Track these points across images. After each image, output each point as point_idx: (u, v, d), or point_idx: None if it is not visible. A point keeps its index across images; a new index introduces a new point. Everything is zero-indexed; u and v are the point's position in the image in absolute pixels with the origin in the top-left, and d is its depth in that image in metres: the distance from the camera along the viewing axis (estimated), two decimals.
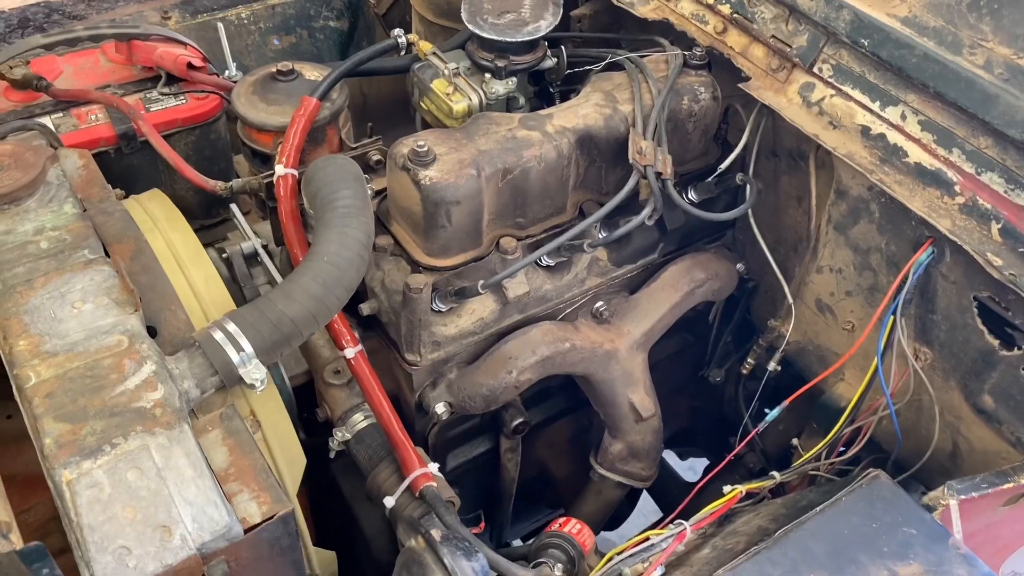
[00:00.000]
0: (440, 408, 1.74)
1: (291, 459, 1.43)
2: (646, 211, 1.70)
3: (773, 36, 1.77)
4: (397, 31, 1.93)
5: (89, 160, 1.78)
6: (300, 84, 1.82)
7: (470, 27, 1.78)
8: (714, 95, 1.84)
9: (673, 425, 2.37)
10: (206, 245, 2.08)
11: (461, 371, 1.77)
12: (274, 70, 1.82)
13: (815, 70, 1.72)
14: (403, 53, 1.95)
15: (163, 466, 1.19)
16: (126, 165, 2.05)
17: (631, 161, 1.67)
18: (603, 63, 1.92)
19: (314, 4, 2.54)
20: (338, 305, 1.43)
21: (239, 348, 1.32)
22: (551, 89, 1.95)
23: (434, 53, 1.89)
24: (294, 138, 1.69)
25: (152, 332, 1.40)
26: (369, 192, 1.67)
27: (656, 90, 1.78)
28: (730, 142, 2.02)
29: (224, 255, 1.96)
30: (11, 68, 2.01)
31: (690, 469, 2.83)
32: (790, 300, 1.93)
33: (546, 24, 1.80)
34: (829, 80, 1.70)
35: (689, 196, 1.95)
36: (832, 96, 1.69)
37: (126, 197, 1.78)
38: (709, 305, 2.16)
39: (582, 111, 1.75)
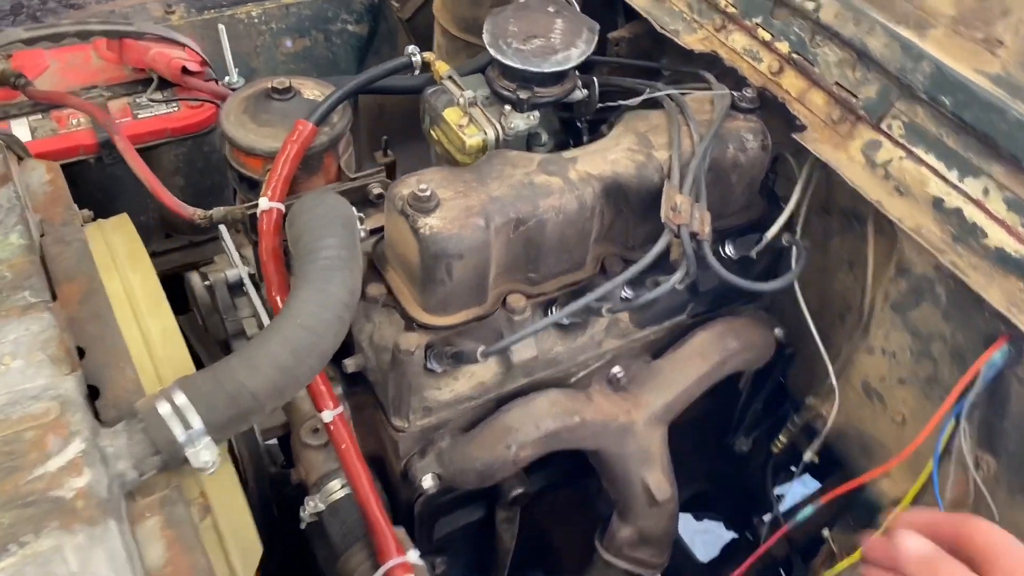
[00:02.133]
0: (428, 482, 1.54)
1: (246, 549, 1.24)
2: (677, 276, 1.48)
3: (837, 83, 1.54)
4: (411, 48, 1.72)
5: (57, 175, 1.60)
6: (297, 104, 1.62)
7: (491, 51, 1.57)
8: (764, 144, 1.62)
9: (690, 488, 2.15)
10: (190, 266, 1.91)
11: (454, 440, 1.57)
12: (269, 86, 1.62)
13: (883, 126, 1.49)
14: (416, 73, 1.74)
15: (79, 572, 1.00)
16: (109, 176, 1.87)
17: (663, 220, 1.45)
18: (639, 98, 1.70)
19: (332, 5, 2.35)
20: (310, 375, 1.24)
21: (187, 425, 1.13)
22: (578, 124, 1.74)
23: (450, 77, 1.68)
24: (283, 168, 1.49)
25: (95, 392, 1.21)
26: (361, 234, 1.47)
27: (698, 136, 1.56)
28: (777, 194, 1.80)
29: (207, 282, 1.78)
30: None
31: (705, 532, 2.61)
32: (833, 381, 1.70)
33: (578, 53, 1.59)
34: (899, 140, 1.47)
35: (727, 252, 1.73)
36: (901, 159, 1.46)
37: (94, 220, 1.59)
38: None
39: (611, 156, 1.53)
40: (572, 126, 1.75)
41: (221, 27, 1.98)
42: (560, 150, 1.70)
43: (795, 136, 1.58)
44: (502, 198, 1.43)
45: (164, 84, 1.94)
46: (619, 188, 1.52)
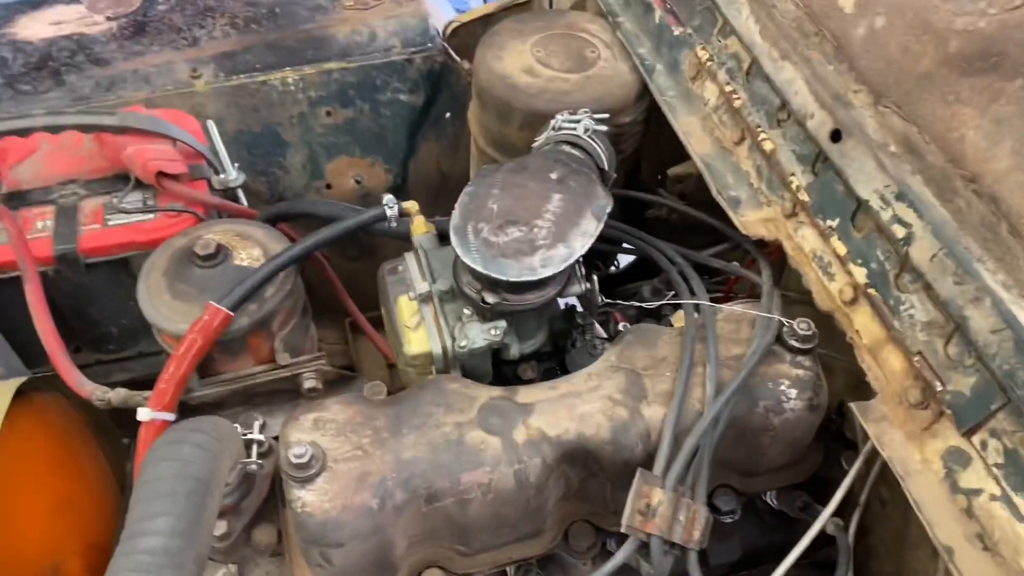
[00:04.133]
0: None
1: None
2: None
3: (920, 353, 1.05)
4: (388, 198, 1.38)
5: None
6: (223, 273, 1.32)
7: (453, 240, 1.20)
8: (813, 404, 1.16)
9: None
10: None
11: None
12: (195, 248, 1.33)
13: (975, 441, 1.00)
14: (393, 225, 1.40)
15: None
16: (77, 286, 1.67)
17: (624, 527, 1.05)
18: (655, 304, 1.28)
19: (382, 72, 2.02)
20: None
21: None
22: (578, 320, 1.34)
23: (417, 250, 1.32)
24: (176, 369, 1.21)
25: None
26: (254, 469, 1.18)
27: (714, 382, 1.13)
28: (847, 436, 1.33)
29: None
30: None
31: None
32: None
33: (564, 255, 1.18)
34: (994, 469, 0.98)
35: (771, 500, 1.31)
36: (993, 499, 0.97)
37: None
38: None
39: (583, 407, 1.14)
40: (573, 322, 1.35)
41: (210, 124, 1.71)
42: (550, 358, 1.33)
43: (854, 408, 1.11)
44: (413, 463, 1.08)
45: (145, 184, 1.71)
46: (586, 455, 1.13)
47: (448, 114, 2.19)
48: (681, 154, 1.56)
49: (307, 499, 1.04)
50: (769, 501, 1.34)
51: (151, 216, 1.67)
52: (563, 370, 1.34)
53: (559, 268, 1.18)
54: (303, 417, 1.12)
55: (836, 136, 1.17)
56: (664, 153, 1.65)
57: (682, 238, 1.48)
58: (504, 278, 1.16)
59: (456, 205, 1.25)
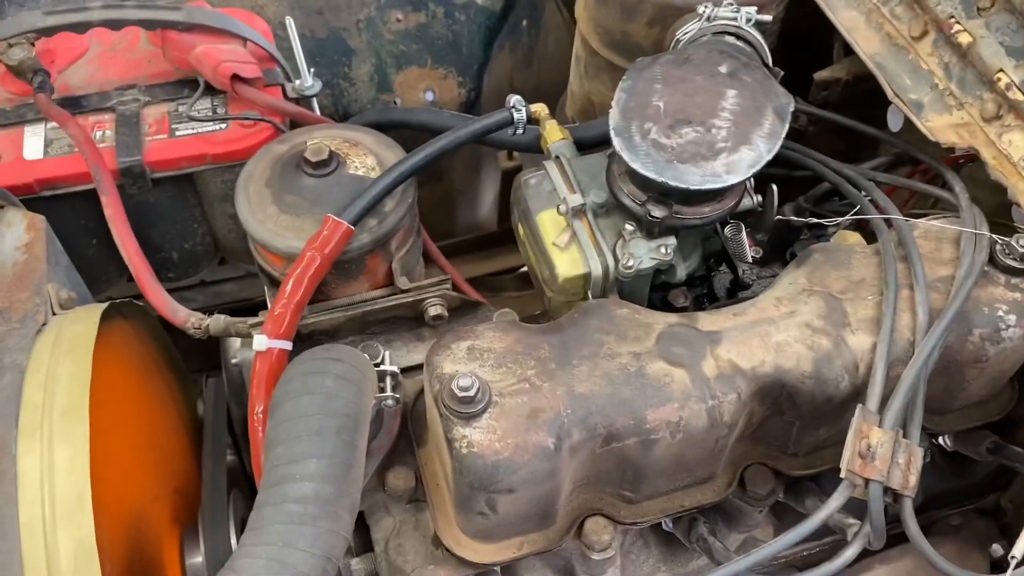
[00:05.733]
0: None
1: None
2: (850, 552, 0.94)
3: None
4: (515, 99, 1.21)
5: (38, 236, 1.24)
6: (337, 183, 1.15)
7: (615, 143, 1.03)
8: None
9: None
10: (243, 304, 1.56)
11: None
12: (307, 154, 1.15)
13: None
14: (517, 132, 1.22)
15: None
16: (139, 204, 1.49)
17: (844, 472, 0.91)
18: (843, 220, 1.13)
19: None
20: None
21: None
22: (743, 247, 1.18)
23: (558, 158, 1.15)
24: (293, 293, 1.05)
25: None
26: (389, 402, 1.03)
27: (926, 308, 0.98)
28: None
29: (235, 361, 1.39)
30: (9, 47, 1.46)
31: None
32: None
33: (751, 159, 1.02)
34: None
35: (943, 441, 1.17)
36: None
37: (74, 302, 1.22)
38: None
39: (778, 336, 0.98)
40: (730, 246, 1.19)
41: (289, 21, 1.52)
42: (701, 283, 1.17)
43: None
44: (589, 399, 0.93)
45: (214, 90, 1.52)
46: (782, 390, 0.98)
47: (525, 21, 1.99)
48: (824, 58, 1.39)
49: (474, 438, 0.89)
50: (943, 443, 1.20)
51: (223, 126, 1.48)
52: (712, 298, 1.19)
53: (746, 174, 1.01)
54: (455, 344, 0.96)
55: None
56: (802, 57, 1.48)
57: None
58: (683, 186, 1.00)
59: (613, 103, 1.07)
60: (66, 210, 1.46)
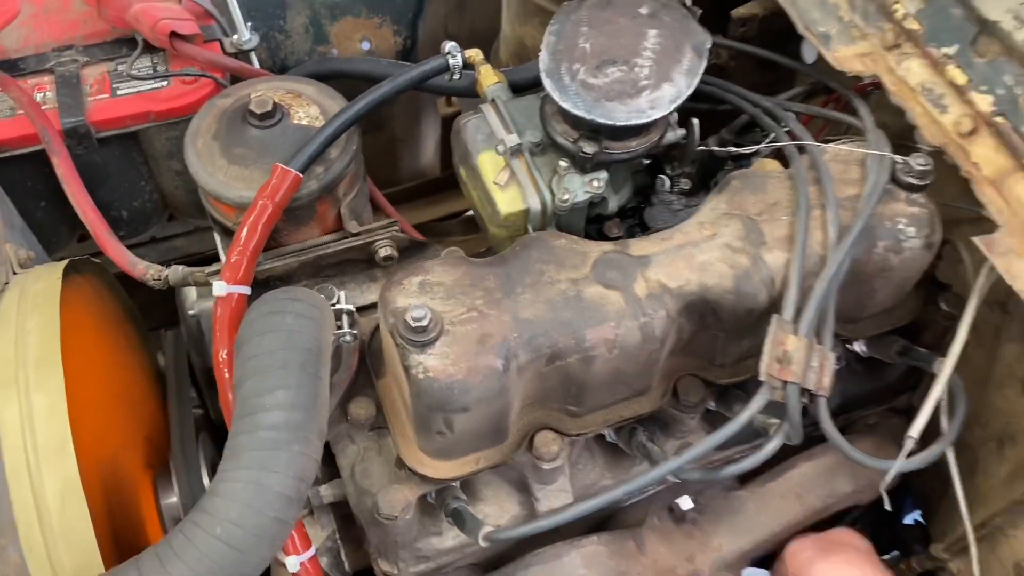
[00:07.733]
0: None
1: None
2: (771, 445, 1.05)
3: None
4: (450, 45, 1.26)
5: None
6: (283, 133, 1.20)
7: (546, 85, 1.10)
8: (929, 241, 1.12)
9: None
10: (193, 257, 1.59)
11: None
12: (251, 106, 1.20)
13: None
14: (454, 78, 1.28)
15: None
16: (86, 164, 1.51)
17: (763, 376, 1.01)
18: (756, 148, 1.21)
19: None
20: None
21: None
22: (667, 171, 1.26)
23: (494, 101, 1.22)
24: (247, 240, 1.11)
25: None
26: (347, 338, 1.10)
27: (835, 227, 1.08)
28: (940, 282, 1.30)
29: (192, 312, 1.44)
30: None
31: None
32: (972, 547, 1.26)
33: (672, 95, 1.10)
34: None
35: (858, 348, 1.29)
36: None
37: (33, 261, 1.25)
38: None
39: (701, 256, 1.08)
40: (657, 168, 1.27)
41: None
42: (633, 214, 1.25)
43: (979, 241, 1.08)
44: (533, 323, 1.01)
45: (152, 48, 1.54)
46: (706, 305, 1.08)
47: None
48: None
49: (429, 363, 0.97)
50: (858, 349, 1.31)
51: (164, 83, 1.51)
52: (643, 227, 1.28)
53: (668, 109, 1.09)
54: (407, 280, 1.03)
55: None
56: None
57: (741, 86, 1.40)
58: (611, 122, 1.08)
59: (542, 46, 1.14)
60: (13, 173, 1.48)
